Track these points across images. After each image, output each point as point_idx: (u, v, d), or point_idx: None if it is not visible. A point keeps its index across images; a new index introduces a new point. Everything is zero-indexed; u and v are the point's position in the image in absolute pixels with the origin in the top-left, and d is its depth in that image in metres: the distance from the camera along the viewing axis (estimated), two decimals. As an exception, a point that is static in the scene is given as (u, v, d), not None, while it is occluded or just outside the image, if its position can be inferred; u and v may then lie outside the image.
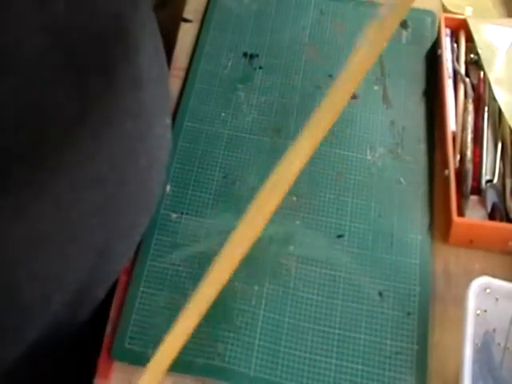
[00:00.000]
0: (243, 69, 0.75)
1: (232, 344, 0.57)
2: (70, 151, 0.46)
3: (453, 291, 0.61)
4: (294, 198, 0.66)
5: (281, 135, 0.70)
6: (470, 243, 0.63)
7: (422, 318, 0.59)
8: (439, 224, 0.65)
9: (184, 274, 0.61)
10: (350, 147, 0.69)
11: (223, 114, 0.71)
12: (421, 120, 0.71)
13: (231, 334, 0.58)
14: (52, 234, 0.48)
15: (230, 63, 0.75)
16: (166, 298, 0.60)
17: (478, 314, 0.54)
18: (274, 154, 0.69)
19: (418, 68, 0.75)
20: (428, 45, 0.76)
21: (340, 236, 0.64)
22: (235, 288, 0.60)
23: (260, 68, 0.75)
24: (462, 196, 0.64)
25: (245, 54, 0.76)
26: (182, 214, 0.65)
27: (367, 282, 0.61)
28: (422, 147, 0.69)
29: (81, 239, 0.51)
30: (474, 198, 0.63)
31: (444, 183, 0.66)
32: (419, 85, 0.73)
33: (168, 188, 0.66)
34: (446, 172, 0.65)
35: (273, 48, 0.76)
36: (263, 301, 0.60)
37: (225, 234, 0.63)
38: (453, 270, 0.63)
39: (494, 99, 0.67)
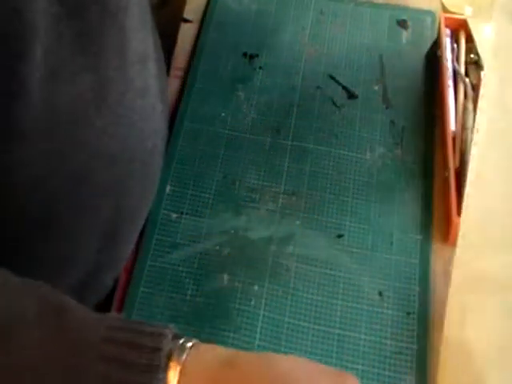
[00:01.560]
0: (243, 69, 0.75)
1: (232, 344, 0.57)
2: (84, 128, 0.46)
3: (452, 291, 0.61)
4: (294, 198, 0.66)
5: (280, 135, 0.70)
6: (470, 243, 0.63)
7: (422, 317, 0.59)
8: (439, 224, 0.65)
9: (184, 274, 0.61)
10: (349, 147, 0.69)
11: (223, 114, 0.71)
12: (421, 120, 0.71)
13: (231, 334, 0.58)
14: (63, 214, 0.49)
15: (229, 63, 0.75)
16: (166, 298, 0.60)
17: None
18: (274, 153, 0.69)
19: (418, 68, 0.75)
20: (428, 45, 0.76)
21: (340, 236, 0.64)
22: (235, 288, 0.60)
23: (260, 68, 0.75)
24: (461, 196, 0.63)
25: (245, 54, 0.76)
26: (182, 213, 0.65)
27: (367, 282, 0.61)
28: (422, 147, 0.69)
29: (90, 220, 0.52)
30: (473, 197, 0.62)
31: (444, 183, 0.66)
32: (419, 85, 0.73)
33: (168, 188, 0.66)
34: (446, 172, 0.65)
35: (273, 48, 0.76)
36: (263, 301, 0.60)
37: (225, 234, 0.63)
38: (453, 269, 0.63)
39: (494, 99, 0.67)
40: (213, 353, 0.39)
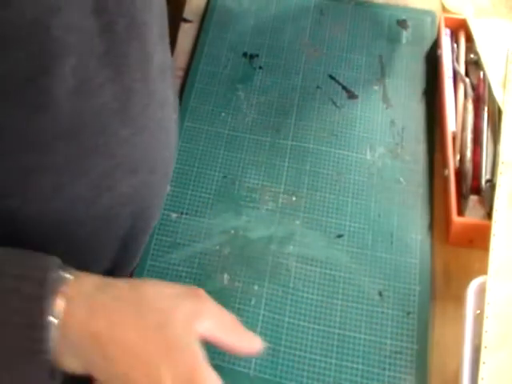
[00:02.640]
0: (243, 69, 0.75)
1: None
2: (107, 137, 0.47)
3: (452, 291, 0.61)
4: (294, 198, 0.66)
5: (280, 135, 0.70)
6: (470, 243, 0.63)
7: (422, 317, 0.59)
8: (439, 224, 0.65)
9: (184, 274, 0.61)
10: (349, 147, 0.69)
11: (223, 114, 0.71)
12: (421, 120, 0.71)
13: None
14: (83, 222, 0.49)
15: (229, 63, 0.75)
16: None
17: (477, 314, 0.54)
18: (274, 153, 0.69)
19: (418, 68, 0.75)
20: (428, 45, 0.76)
21: (340, 236, 0.64)
22: (235, 288, 0.60)
23: (260, 68, 0.75)
24: (461, 196, 0.64)
25: (245, 54, 0.76)
26: (182, 213, 0.65)
27: (367, 282, 0.61)
28: (422, 147, 0.69)
29: (109, 228, 0.52)
30: (473, 197, 0.63)
31: (444, 183, 0.66)
32: (419, 85, 0.73)
33: (168, 188, 0.66)
34: (446, 172, 0.65)
35: (273, 48, 0.76)
36: (263, 300, 0.60)
37: (225, 233, 0.63)
38: (453, 269, 0.63)
39: (494, 99, 0.67)
40: (90, 281, 0.42)
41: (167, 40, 0.55)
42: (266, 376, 0.56)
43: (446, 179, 0.65)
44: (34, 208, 0.45)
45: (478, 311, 0.54)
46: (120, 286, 0.43)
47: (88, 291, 0.41)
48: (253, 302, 0.60)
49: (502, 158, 0.62)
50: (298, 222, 0.64)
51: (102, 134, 0.46)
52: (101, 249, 0.54)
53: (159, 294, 0.43)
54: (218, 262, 0.62)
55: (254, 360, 0.57)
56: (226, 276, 0.61)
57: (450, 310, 0.60)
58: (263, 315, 0.59)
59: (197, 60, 0.75)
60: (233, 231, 0.64)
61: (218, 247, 0.63)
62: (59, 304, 0.40)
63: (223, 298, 0.60)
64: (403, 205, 0.66)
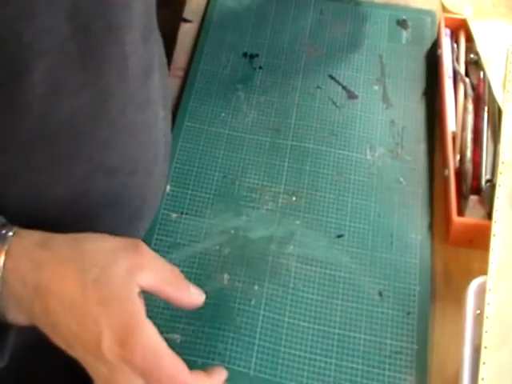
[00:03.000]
0: (243, 69, 0.75)
1: (232, 344, 0.57)
2: (84, 141, 0.47)
3: (453, 291, 0.61)
4: (294, 198, 0.66)
5: (280, 135, 0.70)
6: (470, 243, 0.63)
7: (422, 317, 0.59)
8: (439, 224, 0.65)
9: (184, 274, 0.61)
10: (349, 147, 0.69)
11: (223, 114, 0.71)
12: (421, 120, 0.71)
13: (231, 334, 0.58)
14: (65, 221, 0.50)
15: (229, 63, 0.75)
16: None
17: (477, 314, 0.54)
18: (274, 153, 0.69)
19: (418, 68, 0.75)
20: (428, 45, 0.76)
21: (340, 236, 0.64)
22: (235, 288, 0.60)
23: (260, 68, 0.75)
24: (461, 196, 0.64)
25: (245, 54, 0.76)
26: (182, 213, 0.65)
27: (367, 282, 0.61)
28: (422, 147, 0.69)
29: (93, 228, 0.52)
30: (473, 197, 0.62)
31: (444, 183, 0.66)
32: (419, 85, 0.73)
33: (168, 188, 0.66)
34: (446, 172, 0.65)
35: (273, 48, 0.76)
36: (263, 300, 0.60)
37: (225, 233, 0.63)
38: (453, 269, 0.63)
39: (494, 99, 0.67)
40: (31, 237, 0.43)
41: (155, 37, 0.55)
42: (266, 376, 0.56)
43: (446, 179, 0.65)
44: (11, 211, 0.45)
45: (478, 311, 0.54)
46: (61, 241, 0.43)
47: (30, 247, 0.42)
48: (253, 302, 0.60)
49: (501, 158, 0.62)
50: (298, 222, 0.64)
51: (78, 137, 0.46)
52: None
53: (99, 249, 0.44)
54: (217, 262, 0.62)
55: (253, 360, 0.57)
56: (225, 276, 0.61)
57: (450, 310, 0.60)
58: (263, 315, 0.59)
59: (197, 60, 0.75)
60: (233, 231, 0.64)
61: (217, 247, 0.63)
62: (0, 260, 0.41)
63: (223, 297, 0.60)
64: (403, 205, 0.66)
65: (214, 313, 0.59)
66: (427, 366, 0.57)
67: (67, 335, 0.42)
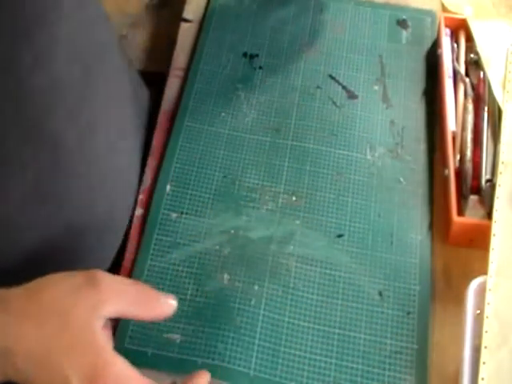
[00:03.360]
0: (243, 69, 0.75)
1: (232, 344, 0.57)
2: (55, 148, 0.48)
3: (453, 291, 0.61)
4: (294, 198, 0.66)
5: (280, 135, 0.70)
6: (470, 243, 0.63)
7: (422, 317, 0.59)
8: (439, 224, 0.65)
9: (184, 274, 0.61)
10: (349, 147, 0.69)
11: (223, 114, 0.71)
12: (420, 120, 0.71)
13: (231, 334, 0.58)
14: (32, 223, 0.50)
15: (229, 63, 0.75)
16: None
17: (477, 314, 0.54)
18: (274, 153, 0.69)
19: (418, 68, 0.74)
20: (428, 45, 0.76)
21: (340, 236, 0.63)
22: (235, 288, 0.60)
23: (260, 68, 0.75)
24: (461, 196, 0.63)
25: (245, 54, 0.76)
26: (182, 213, 0.65)
27: (367, 282, 0.61)
28: (422, 147, 0.69)
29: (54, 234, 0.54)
30: (473, 197, 0.62)
31: (444, 183, 0.66)
32: (419, 85, 0.73)
33: (168, 188, 0.66)
34: (446, 172, 0.65)
35: (273, 48, 0.76)
36: (263, 300, 0.60)
37: (225, 233, 0.63)
38: (453, 269, 0.62)
39: (494, 99, 0.67)
40: None
41: (103, 19, 0.56)
42: (266, 376, 0.56)
43: (446, 179, 0.65)
44: None
45: (478, 311, 0.54)
46: (16, 298, 0.43)
47: None
48: (253, 302, 0.60)
49: (501, 158, 0.62)
50: (298, 222, 0.64)
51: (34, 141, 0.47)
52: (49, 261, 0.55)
53: (55, 296, 0.44)
54: (217, 261, 0.62)
55: (253, 360, 0.57)
56: (226, 276, 0.61)
57: (450, 310, 0.60)
58: (263, 315, 0.59)
59: (197, 60, 0.75)
60: (233, 231, 0.64)
61: (217, 247, 0.63)
62: None
63: (223, 297, 0.60)
64: (403, 205, 0.66)
65: (214, 313, 0.59)
66: (427, 366, 0.57)
67: None
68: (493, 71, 0.69)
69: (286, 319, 0.59)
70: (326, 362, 0.57)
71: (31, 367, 0.42)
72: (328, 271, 0.62)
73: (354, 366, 0.57)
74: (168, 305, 0.48)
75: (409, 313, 0.59)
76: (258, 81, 0.74)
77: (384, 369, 0.57)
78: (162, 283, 0.61)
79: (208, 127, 0.70)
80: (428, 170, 0.68)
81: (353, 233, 0.64)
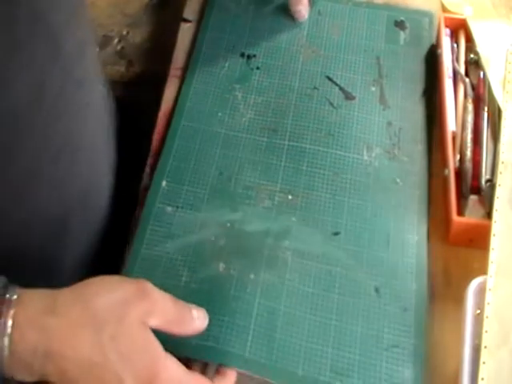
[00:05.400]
0: (240, 69, 0.74)
1: (226, 327, 0.56)
2: (27, 128, 0.47)
3: (452, 291, 0.60)
4: (290, 197, 0.65)
5: (277, 135, 0.69)
6: (470, 243, 0.62)
7: (419, 314, 0.58)
8: (439, 223, 0.64)
9: (178, 262, 0.61)
10: (346, 148, 0.68)
11: (220, 114, 0.71)
12: (418, 121, 0.70)
13: (226, 318, 0.57)
14: (13, 212, 0.50)
15: (227, 63, 0.75)
16: (158, 285, 0.58)
17: (477, 314, 0.53)
18: (271, 153, 0.68)
19: (416, 69, 0.74)
20: (426, 45, 0.76)
21: (336, 233, 0.63)
22: (230, 276, 0.59)
23: (257, 68, 0.74)
24: (461, 195, 0.63)
25: (242, 55, 0.75)
26: (178, 207, 0.64)
27: (363, 278, 0.60)
28: (419, 148, 0.68)
29: (39, 213, 0.53)
30: (473, 197, 0.62)
31: (444, 183, 0.65)
32: (416, 86, 0.73)
33: (164, 183, 0.66)
34: (446, 172, 0.64)
35: (270, 49, 0.76)
36: (259, 289, 0.59)
37: (221, 226, 0.62)
38: (452, 269, 0.62)
39: (494, 99, 0.67)
40: (36, 304, 0.43)
41: (84, 16, 0.55)
42: (262, 360, 0.55)
43: (445, 179, 0.64)
44: None
45: (478, 311, 0.54)
46: (70, 303, 0.44)
47: (36, 316, 0.42)
48: (248, 290, 0.59)
49: (501, 158, 0.62)
50: (294, 219, 0.63)
51: (19, 125, 0.46)
52: (33, 235, 0.54)
53: (109, 304, 0.44)
54: (213, 251, 0.61)
55: (248, 343, 0.56)
56: (221, 264, 0.60)
57: (450, 309, 0.59)
58: (259, 303, 0.58)
59: (194, 60, 0.75)
60: (229, 224, 0.63)
61: (213, 238, 0.62)
62: (8, 326, 0.41)
63: (218, 284, 0.59)
64: (400, 205, 0.65)
65: (209, 298, 0.58)
66: (424, 360, 0.56)
67: None
68: (493, 71, 0.69)
69: (282, 308, 0.58)
70: (322, 351, 0.56)
71: (81, 371, 0.42)
72: (324, 266, 0.61)
73: (351, 356, 0.56)
74: (201, 321, 0.51)
75: (405, 309, 0.58)
76: (256, 81, 0.73)
77: (381, 360, 0.56)
78: (155, 270, 0.60)
79: (205, 127, 0.70)
80: (425, 170, 0.67)
81: (349, 231, 0.63)
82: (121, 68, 0.87)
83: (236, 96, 0.72)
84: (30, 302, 0.43)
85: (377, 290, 0.59)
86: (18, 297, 0.42)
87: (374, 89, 0.73)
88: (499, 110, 0.66)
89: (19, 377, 0.43)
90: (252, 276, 0.59)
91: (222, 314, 0.57)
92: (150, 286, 0.47)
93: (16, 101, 0.45)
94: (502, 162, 0.62)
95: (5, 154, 0.46)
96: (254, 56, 0.75)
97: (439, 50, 0.72)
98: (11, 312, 0.41)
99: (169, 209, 0.64)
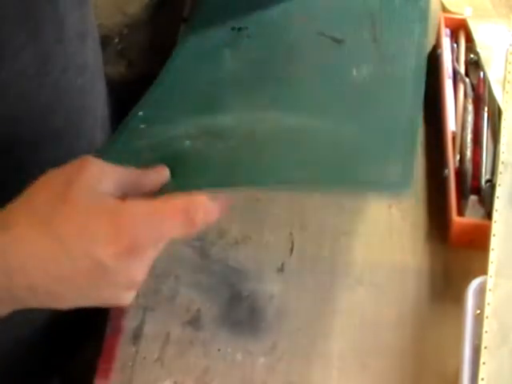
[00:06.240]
0: (230, 38, 0.67)
1: None
2: (29, 103, 0.48)
3: (453, 291, 0.61)
4: None
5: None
6: (470, 243, 0.62)
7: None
8: (439, 224, 0.64)
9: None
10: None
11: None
12: (417, 121, 0.70)
13: None
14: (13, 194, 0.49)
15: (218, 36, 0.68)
16: None
17: (477, 314, 0.54)
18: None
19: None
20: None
21: None
22: None
23: (247, 37, 0.67)
24: (461, 196, 0.63)
25: (233, 29, 0.72)
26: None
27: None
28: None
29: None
30: (473, 197, 0.62)
31: (444, 183, 0.66)
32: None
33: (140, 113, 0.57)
34: (446, 172, 0.65)
35: (262, 20, 0.70)
36: None
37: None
38: (453, 269, 0.62)
39: (494, 99, 0.67)
40: None
41: (88, 8, 0.55)
42: None
43: (445, 179, 0.65)
44: None
45: (478, 311, 0.54)
46: (15, 214, 0.40)
47: None
48: None
49: (501, 158, 0.62)
50: None
51: (22, 99, 0.46)
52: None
53: (48, 194, 0.40)
54: None
55: None
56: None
57: (450, 310, 0.59)
58: None
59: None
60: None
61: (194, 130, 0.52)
62: None
63: None
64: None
65: None
66: None
67: (65, 285, 0.39)
68: (493, 71, 0.69)
69: None
70: None
71: (44, 265, 0.38)
72: None
73: None
74: (161, 176, 0.45)
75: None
76: (246, 46, 0.66)
77: None
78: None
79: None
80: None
81: None
82: (121, 68, 0.87)
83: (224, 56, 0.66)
84: None
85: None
86: None
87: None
88: (499, 110, 0.67)
89: None
90: None
91: None
92: (89, 157, 0.42)
93: (23, 69, 0.45)
94: (502, 162, 0.62)
95: (9, 125, 0.46)
96: (246, 28, 0.70)
97: (439, 50, 0.73)
98: None
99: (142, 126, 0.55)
